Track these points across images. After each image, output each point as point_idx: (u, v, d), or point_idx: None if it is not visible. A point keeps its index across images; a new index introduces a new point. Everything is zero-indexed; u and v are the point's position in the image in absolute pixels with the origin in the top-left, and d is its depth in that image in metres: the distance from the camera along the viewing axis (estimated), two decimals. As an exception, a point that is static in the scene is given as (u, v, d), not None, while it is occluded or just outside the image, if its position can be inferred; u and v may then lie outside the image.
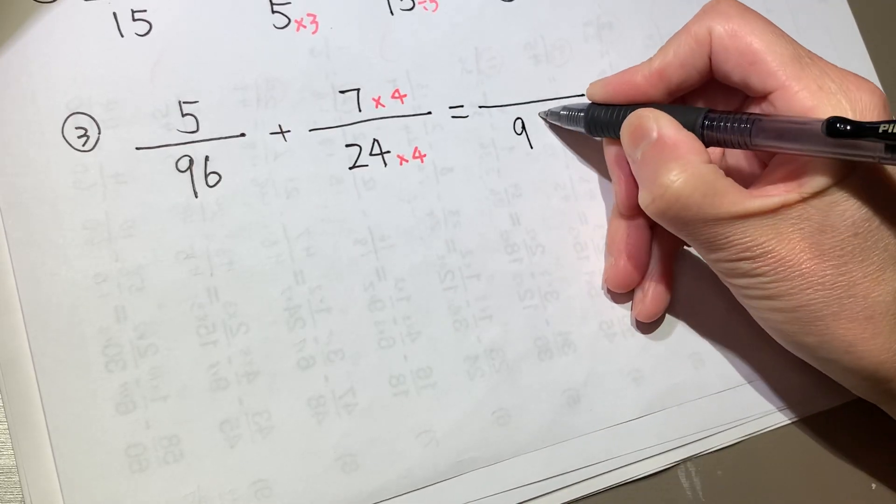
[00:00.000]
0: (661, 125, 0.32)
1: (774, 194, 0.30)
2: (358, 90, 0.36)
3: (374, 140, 0.36)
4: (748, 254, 0.31)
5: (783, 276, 0.31)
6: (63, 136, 0.32)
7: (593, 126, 0.37)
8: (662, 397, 0.37)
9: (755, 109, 0.33)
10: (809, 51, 0.32)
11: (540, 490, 0.35)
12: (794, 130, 0.30)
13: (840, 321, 0.31)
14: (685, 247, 0.39)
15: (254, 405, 0.32)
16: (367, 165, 0.36)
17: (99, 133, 0.32)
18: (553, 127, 0.39)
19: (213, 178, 0.33)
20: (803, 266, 0.31)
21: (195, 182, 0.33)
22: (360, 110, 0.36)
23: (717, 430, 0.38)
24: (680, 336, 0.37)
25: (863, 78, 0.31)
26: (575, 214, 0.38)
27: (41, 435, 0.30)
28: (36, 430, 0.30)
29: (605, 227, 0.39)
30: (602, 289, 0.38)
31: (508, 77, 0.39)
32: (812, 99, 0.30)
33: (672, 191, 0.31)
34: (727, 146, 0.32)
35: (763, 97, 0.32)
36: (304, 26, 0.36)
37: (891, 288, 0.31)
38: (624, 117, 0.34)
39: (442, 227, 0.36)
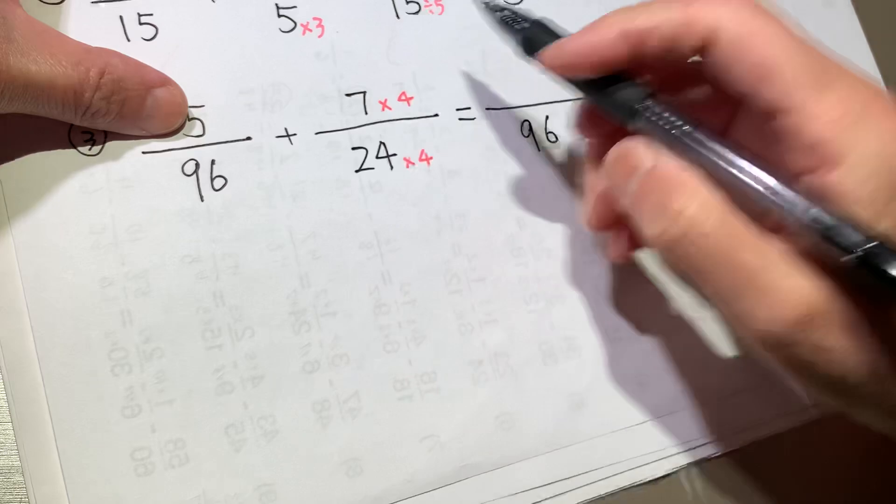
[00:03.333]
0: (656, 155, 0.29)
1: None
2: (364, 93, 0.36)
3: (381, 143, 0.36)
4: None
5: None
6: (70, 141, 0.32)
7: (529, 47, 0.33)
8: (667, 402, 0.37)
9: (746, 120, 0.30)
10: (837, 63, 0.28)
11: (544, 494, 0.35)
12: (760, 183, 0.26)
13: None
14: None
15: (259, 409, 0.32)
16: (373, 168, 0.36)
17: (105, 137, 0.32)
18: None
19: (219, 182, 0.33)
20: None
21: (201, 186, 0.33)
22: (366, 113, 0.36)
23: (721, 436, 0.38)
24: (685, 340, 0.37)
25: (885, 94, 0.28)
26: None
27: (47, 438, 0.30)
28: (42, 434, 0.30)
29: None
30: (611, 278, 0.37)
31: (515, 79, 0.39)
32: (830, 130, 0.26)
33: (686, 216, 0.27)
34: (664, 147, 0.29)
35: (771, 116, 0.28)
36: (310, 30, 0.36)
37: None
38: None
39: (448, 230, 0.36)
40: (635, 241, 0.35)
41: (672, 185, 0.28)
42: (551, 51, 0.31)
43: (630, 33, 0.29)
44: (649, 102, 0.30)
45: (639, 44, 0.29)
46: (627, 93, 0.30)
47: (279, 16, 0.36)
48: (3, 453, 0.30)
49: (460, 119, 0.38)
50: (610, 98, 0.31)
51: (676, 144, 0.29)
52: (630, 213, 0.30)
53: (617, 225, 0.34)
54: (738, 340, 0.38)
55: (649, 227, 0.28)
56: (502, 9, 0.34)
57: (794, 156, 0.27)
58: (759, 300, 0.26)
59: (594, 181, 0.34)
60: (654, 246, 0.29)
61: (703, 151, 0.28)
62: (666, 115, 0.29)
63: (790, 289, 0.26)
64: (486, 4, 0.34)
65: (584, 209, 0.35)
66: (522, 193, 0.38)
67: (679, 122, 0.29)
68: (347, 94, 0.36)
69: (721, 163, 0.28)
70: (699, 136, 0.29)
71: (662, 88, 0.31)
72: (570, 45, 0.31)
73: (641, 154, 0.29)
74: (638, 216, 0.29)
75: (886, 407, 0.28)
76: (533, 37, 0.32)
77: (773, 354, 0.27)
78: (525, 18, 0.33)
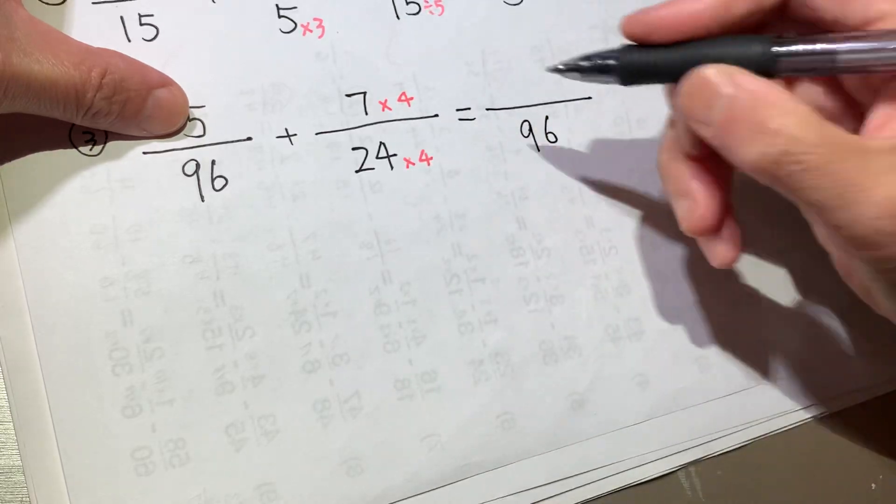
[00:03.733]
0: (737, 77, 0.28)
1: (892, 135, 0.27)
2: (364, 93, 0.37)
3: (381, 143, 0.36)
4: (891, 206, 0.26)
5: None
6: (70, 141, 0.32)
7: (629, 74, 0.32)
8: (667, 401, 0.37)
9: None
10: None
11: (544, 494, 0.35)
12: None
13: None
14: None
15: (259, 409, 0.32)
16: (373, 168, 0.36)
17: (106, 137, 0.32)
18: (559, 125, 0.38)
19: (219, 182, 0.33)
20: None
21: (202, 186, 0.33)
22: (366, 113, 0.36)
23: (721, 434, 0.38)
24: (686, 339, 0.37)
25: None
26: (581, 217, 0.38)
27: (48, 438, 0.30)
28: (43, 434, 0.30)
29: (612, 230, 0.39)
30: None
31: (515, 80, 0.39)
32: None
33: (787, 133, 0.27)
34: (805, 73, 0.29)
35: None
36: (311, 30, 0.36)
37: None
38: (676, 59, 0.31)
39: (448, 230, 0.36)
40: (737, 242, 0.33)
41: (765, 105, 0.27)
42: (631, 21, 0.31)
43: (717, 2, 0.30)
44: (780, 48, 0.29)
45: (730, 4, 0.30)
46: (749, 44, 0.30)
47: (279, 16, 0.36)
48: (4, 453, 0.30)
49: (460, 119, 0.38)
50: (735, 51, 0.30)
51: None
52: (717, 143, 0.29)
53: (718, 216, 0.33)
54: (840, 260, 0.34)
55: (746, 151, 0.28)
56: (585, 59, 0.33)
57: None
58: (864, 202, 0.26)
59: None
60: (753, 170, 0.28)
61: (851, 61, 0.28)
62: (803, 49, 0.29)
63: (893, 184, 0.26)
64: (565, 67, 0.34)
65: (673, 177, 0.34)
66: (522, 193, 0.38)
67: (820, 51, 0.29)
68: (348, 95, 0.36)
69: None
70: (840, 48, 0.28)
71: None
72: (662, 9, 0.31)
73: (719, 79, 0.29)
74: (729, 143, 0.29)
75: None
76: (628, 64, 0.32)
77: (877, 255, 0.27)
78: (603, 55, 0.33)
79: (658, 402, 0.37)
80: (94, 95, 0.30)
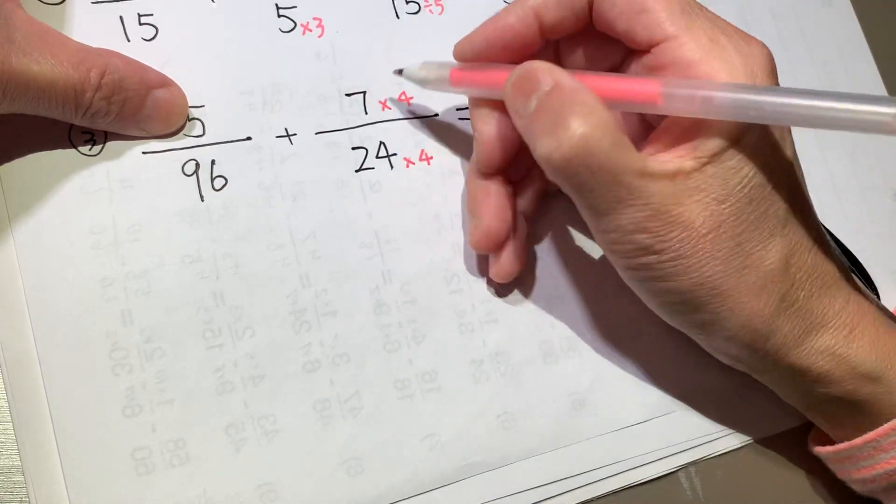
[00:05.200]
0: (556, 74, 0.30)
1: (668, 160, 0.29)
2: (364, 93, 0.37)
3: (381, 143, 0.36)
4: (648, 224, 0.29)
5: (683, 253, 0.29)
6: (70, 141, 0.32)
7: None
8: (667, 401, 0.37)
9: (638, 63, 0.32)
10: (702, 5, 0.31)
11: (544, 494, 0.35)
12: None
13: (735, 296, 0.30)
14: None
15: (259, 409, 0.32)
16: (373, 168, 0.36)
17: (105, 138, 0.32)
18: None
19: (219, 182, 0.33)
20: (701, 242, 0.29)
21: (201, 186, 0.33)
22: (366, 113, 0.36)
23: (722, 434, 0.38)
24: (685, 340, 0.37)
25: (751, 36, 0.30)
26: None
27: (47, 438, 0.30)
28: (42, 434, 0.30)
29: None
30: (464, 253, 0.37)
31: (514, 80, 0.39)
32: (701, 52, 0.29)
33: (580, 135, 0.28)
34: (621, 108, 0.31)
35: (647, 50, 0.30)
36: (310, 30, 0.36)
37: (781, 255, 0.30)
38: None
39: (448, 230, 0.36)
40: (522, 257, 0.36)
41: (571, 104, 0.29)
42: (462, 44, 0.34)
43: (527, 8, 0.32)
44: None
45: (540, 13, 0.32)
46: None
47: (279, 16, 0.36)
48: (4, 453, 0.30)
49: (460, 119, 0.38)
50: None
51: None
52: (525, 134, 0.30)
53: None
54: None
55: (544, 142, 0.29)
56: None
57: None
58: (626, 216, 0.29)
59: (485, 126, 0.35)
60: (546, 162, 0.29)
61: None
62: None
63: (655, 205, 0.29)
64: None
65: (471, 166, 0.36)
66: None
67: None
68: (347, 94, 0.36)
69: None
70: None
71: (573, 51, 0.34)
72: (483, 28, 0.33)
73: (542, 75, 0.30)
74: (533, 133, 0.30)
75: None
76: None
77: (632, 263, 0.31)
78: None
79: (658, 402, 0.37)
80: (93, 95, 0.30)
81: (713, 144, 0.29)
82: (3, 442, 0.30)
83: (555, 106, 0.29)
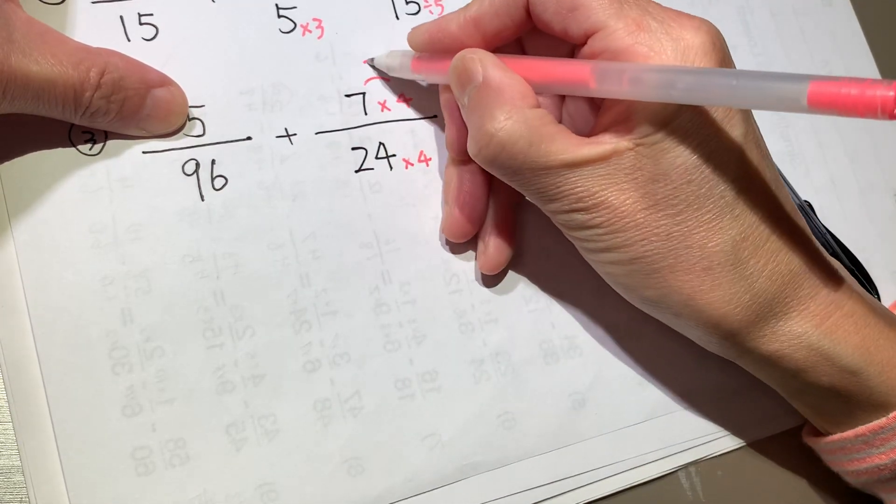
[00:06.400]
0: (485, 67, 0.31)
1: (605, 142, 0.30)
2: (364, 94, 0.37)
3: (380, 143, 0.36)
4: (581, 204, 0.30)
5: (618, 228, 0.30)
6: (70, 141, 0.32)
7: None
8: (668, 401, 0.37)
9: (579, 55, 0.32)
10: None
11: (545, 494, 0.35)
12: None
13: (677, 273, 0.31)
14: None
15: (260, 408, 0.32)
16: (372, 169, 0.36)
17: (105, 137, 0.32)
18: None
19: (219, 182, 0.33)
20: (637, 217, 0.30)
21: (201, 185, 0.33)
22: (365, 114, 0.36)
23: (721, 435, 0.38)
24: (685, 340, 0.37)
25: (692, 16, 0.30)
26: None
27: (47, 438, 0.30)
28: (42, 433, 0.30)
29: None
30: (441, 239, 0.37)
31: (514, 80, 0.39)
32: (630, 37, 0.29)
33: (498, 139, 0.30)
34: (560, 91, 0.32)
35: (584, 42, 0.31)
36: (310, 31, 0.36)
37: (728, 237, 0.30)
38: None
39: (448, 230, 0.36)
40: (508, 247, 0.36)
41: (492, 102, 0.30)
42: (411, 35, 0.35)
43: (468, 20, 0.33)
44: None
45: (480, 24, 0.32)
46: None
47: (279, 16, 0.36)
48: (4, 453, 0.30)
49: (460, 120, 0.38)
50: None
51: None
52: (467, 125, 0.32)
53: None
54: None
55: (471, 144, 0.31)
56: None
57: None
58: (559, 203, 0.31)
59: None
60: (476, 160, 0.32)
61: None
62: None
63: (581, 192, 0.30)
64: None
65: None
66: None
67: None
68: (347, 95, 0.36)
69: None
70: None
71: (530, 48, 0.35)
72: (430, 26, 0.34)
73: (473, 66, 0.31)
74: (469, 129, 0.32)
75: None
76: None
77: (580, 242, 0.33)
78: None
79: (659, 402, 0.37)
80: (93, 95, 0.30)
81: (645, 124, 0.29)
82: (3, 442, 0.30)
83: (481, 105, 0.30)
